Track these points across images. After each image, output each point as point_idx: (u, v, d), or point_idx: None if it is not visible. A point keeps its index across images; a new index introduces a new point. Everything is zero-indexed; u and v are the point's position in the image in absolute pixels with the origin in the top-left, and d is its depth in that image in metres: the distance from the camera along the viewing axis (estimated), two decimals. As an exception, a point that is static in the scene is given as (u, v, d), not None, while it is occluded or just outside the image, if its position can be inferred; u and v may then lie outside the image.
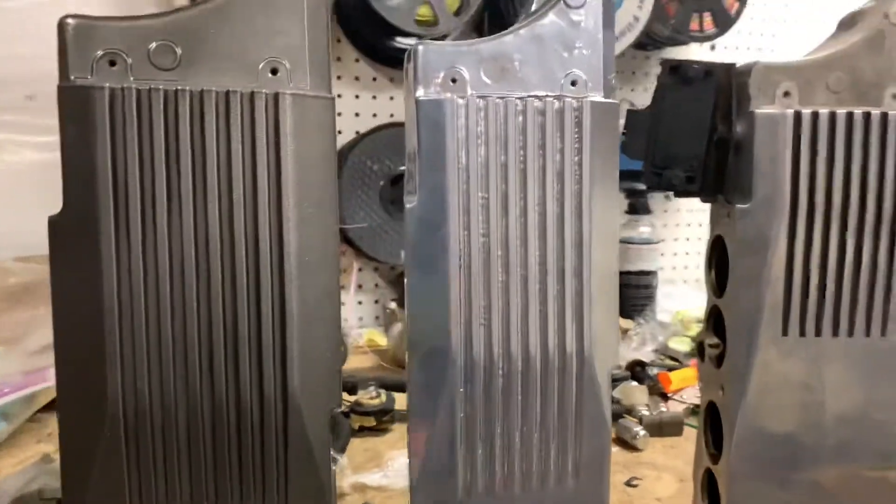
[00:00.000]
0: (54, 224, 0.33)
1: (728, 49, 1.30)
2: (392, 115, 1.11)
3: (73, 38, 0.33)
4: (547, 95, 0.42)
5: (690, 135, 0.47)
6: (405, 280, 0.42)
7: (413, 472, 0.43)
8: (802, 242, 0.46)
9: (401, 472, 0.65)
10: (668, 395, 0.84)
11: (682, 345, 0.98)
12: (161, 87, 0.34)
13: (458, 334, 0.42)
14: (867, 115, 0.45)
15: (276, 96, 0.35)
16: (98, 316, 0.33)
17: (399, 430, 0.75)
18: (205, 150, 0.34)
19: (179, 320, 0.35)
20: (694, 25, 1.13)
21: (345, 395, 0.78)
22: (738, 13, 1.15)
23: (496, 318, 0.42)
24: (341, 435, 0.69)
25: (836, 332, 0.47)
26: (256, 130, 0.35)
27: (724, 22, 1.15)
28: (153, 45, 0.34)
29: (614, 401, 0.81)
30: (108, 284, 0.33)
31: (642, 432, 0.73)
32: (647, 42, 1.19)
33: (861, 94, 0.46)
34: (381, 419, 0.74)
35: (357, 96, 1.09)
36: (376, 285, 1.15)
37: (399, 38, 1.01)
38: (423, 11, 0.97)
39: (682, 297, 1.15)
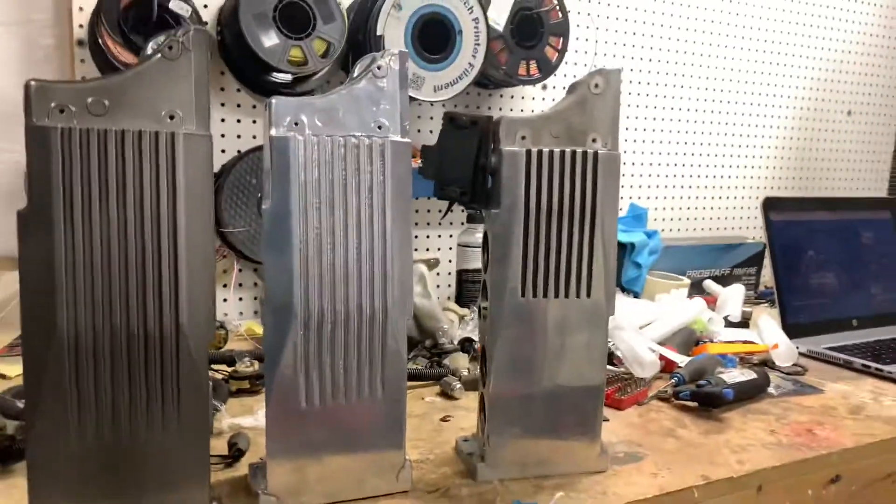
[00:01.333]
0: (22, 215, 0.51)
1: (557, 88, 1.58)
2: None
3: (35, 94, 0.51)
4: (361, 135, 0.63)
5: (463, 163, 0.70)
6: (262, 257, 0.62)
7: (267, 390, 0.62)
8: (533, 234, 0.69)
9: (267, 416, 0.84)
10: (486, 361, 1.07)
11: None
12: (95, 127, 0.52)
13: (298, 294, 0.62)
14: (574, 153, 0.70)
15: (172, 135, 0.55)
16: (51, 274, 0.51)
17: (269, 391, 0.94)
18: (124, 169, 0.53)
19: (106, 279, 0.53)
20: (522, 71, 1.38)
21: (224, 367, 0.96)
22: (559, 61, 1.42)
23: (326, 284, 0.63)
24: (221, 393, 0.88)
25: (556, 294, 0.70)
26: (159, 157, 0.54)
27: (547, 68, 1.42)
28: (90, 99, 0.52)
29: (444, 366, 1.03)
30: (59, 253, 0.51)
31: (458, 385, 0.95)
32: (487, 82, 1.44)
33: (572, 138, 0.70)
34: (254, 383, 0.93)
35: (238, 121, 1.27)
36: (255, 283, 1.33)
37: (274, 74, 1.20)
38: (295, 53, 1.17)
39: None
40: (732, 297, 1.42)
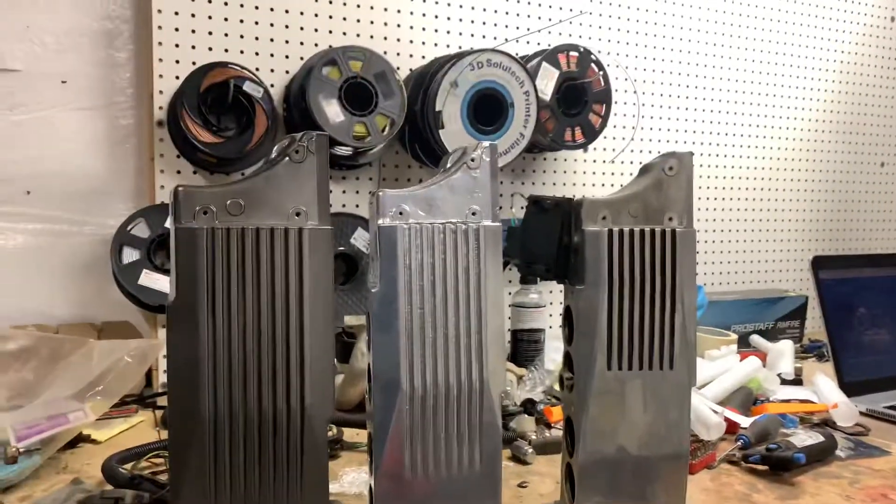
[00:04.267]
0: (170, 306, 0.56)
1: (597, 150, 1.64)
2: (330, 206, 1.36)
3: (183, 198, 0.57)
4: (458, 222, 0.68)
5: (547, 243, 0.74)
6: (369, 337, 0.67)
7: (377, 460, 0.66)
8: (617, 309, 0.73)
9: (353, 483, 0.87)
10: (552, 424, 1.09)
11: (565, 388, 1.25)
12: (234, 226, 0.58)
13: (404, 371, 0.66)
14: (653, 231, 0.74)
15: (299, 230, 0.60)
16: (195, 361, 0.56)
17: (346, 456, 0.97)
18: (259, 262, 0.58)
19: (241, 364, 0.57)
20: (567, 137, 1.45)
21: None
22: (602, 127, 1.48)
23: (429, 360, 0.67)
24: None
25: (640, 367, 0.74)
26: (289, 251, 0.59)
27: (591, 133, 1.47)
28: (229, 201, 0.58)
29: (510, 429, 1.06)
30: (202, 342, 0.56)
31: (530, 450, 0.98)
32: (534, 147, 1.50)
33: (649, 217, 0.75)
34: (333, 447, 0.96)
35: (303, 190, 1.33)
36: (317, 346, 1.37)
37: (338, 147, 1.26)
38: (358, 129, 1.24)
39: (567, 350, 1.43)
40: (784, 353, 1.44)
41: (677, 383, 0.75)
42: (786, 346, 1.47)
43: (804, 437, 0.97)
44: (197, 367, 0.56)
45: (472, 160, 0.70)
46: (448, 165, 0.72)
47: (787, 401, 1.23)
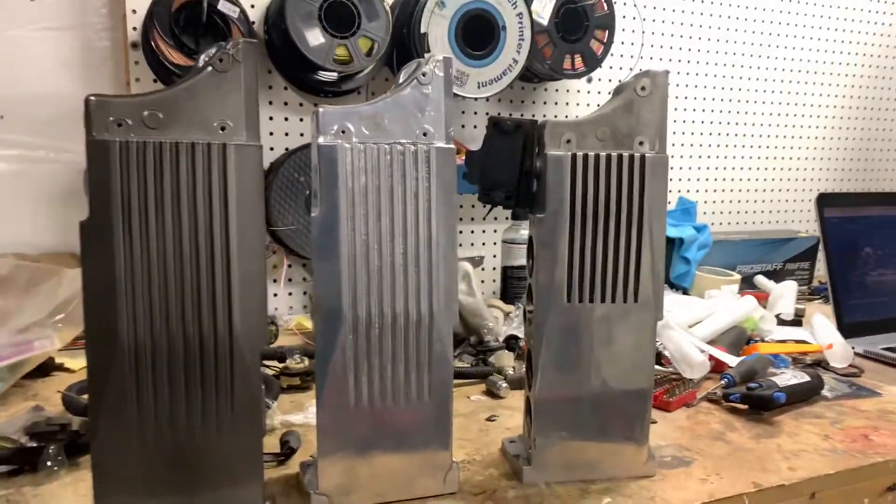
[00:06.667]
0: (84, 225, 0.53)
1: (602, 81, 1.56)
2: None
3: (94, 108, 0.53)
4: (407, 142, 0.64)
5: (507, 168, 0.70)
6: (312, 264, 0.63)
7: (319, 391, 0.64)
8: (579, 239, 0.69)
9: (317, 414, 0.86)
10: (531, 360, 1.07)
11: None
12: (151, 140, 0.54)
13: (346, 300, 0.63)
14: (620, 156, 0.69)
15: (224, 146, 0.56)
16: (112, 283, 0.53)
17: (317, 388, 0.96)
18: (178, 179, 0.55)
19: (163, 287, 0.55)
20: (567, 65, 1.37)
21: (275, 363, 0.98)
22: (604, 55, 1.40)
23: (373, 289, 0.64)
24: (273, 389, 0.90)
25: (603, 299, 0.70)
26: (212, 168, 0.55)
27: (592, 62, 1.40)
28: (146, 112, 0.54)
29: (489, 364, 1.04)
30: (118, 262, 0.53)
31: (504, 385, 0.96)
32: (532, 76, 1.43)
33: (618, 142, 0.69)
34: (305, 379, 0.95)
35: (286, 118, 1.29)
36: (304, 279, 1.35)
37: (321, 72, 1.21)
38: (340, 52, 1.18)
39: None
40: (785, 294, 1.39)
41: (643, 317, 0.71)
42: (788, 288, 1.42)
43: (789, 377, 0.93)
44: (114, 292, 0.54)
45: (424, 74, 0.65)
46: (400, 80, 0.67)
47: (783, 341, 1.19)
